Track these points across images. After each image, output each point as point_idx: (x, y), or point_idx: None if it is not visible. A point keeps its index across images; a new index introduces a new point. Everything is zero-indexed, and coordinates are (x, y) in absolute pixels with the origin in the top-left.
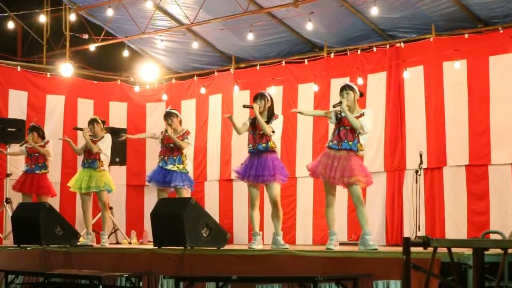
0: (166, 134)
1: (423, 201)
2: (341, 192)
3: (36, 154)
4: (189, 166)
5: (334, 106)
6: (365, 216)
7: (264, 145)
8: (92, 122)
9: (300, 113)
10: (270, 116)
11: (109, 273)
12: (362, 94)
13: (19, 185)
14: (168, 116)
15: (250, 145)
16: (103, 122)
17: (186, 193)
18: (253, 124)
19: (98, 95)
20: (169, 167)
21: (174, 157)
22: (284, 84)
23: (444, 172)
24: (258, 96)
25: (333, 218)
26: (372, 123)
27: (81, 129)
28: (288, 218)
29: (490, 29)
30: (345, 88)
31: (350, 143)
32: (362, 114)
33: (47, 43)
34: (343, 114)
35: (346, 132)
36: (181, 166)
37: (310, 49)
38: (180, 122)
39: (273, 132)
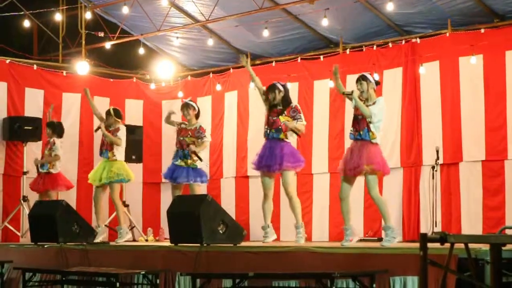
0: (181, 127)
1: (440, 197)
2: (357, 189)
3: (45, 152)
4: (204, 161)
5: (344, 94)
6: (385, 209)
7: (274, 131)
8: (108, 112)
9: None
10: (286, 106)
11: (126, 270)
12: (378, 83)
13: (32, 184)
14: (185, 107)
15: (266, 127)
16: (117, 112)
17: (198, 188)
18: (270, 110)
19: (114, 93)
20: (178, 162)
21: (185, 152)
22: (300, 80)
23: (461, 167)
24: (269, 89)
25: (347, 211)
26: (383, 111)
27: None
28: (304, 214)
29: (507, 23)
30: (358, 80)
31: (361, 132)
32: (374, 103)
33: (63, 41)
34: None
35: (359, 121)
36: (189, 161)
37: (326, 45)
38: (197, 115)
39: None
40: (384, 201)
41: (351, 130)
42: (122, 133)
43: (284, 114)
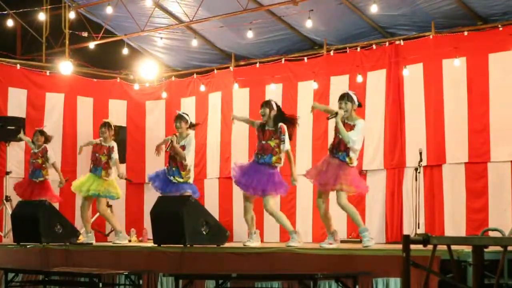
0: (170, 141)
1: (423, 199)
2: None
3: (34, 161)
4: (191, 175)
5: (328, 118)
6: (354, 216)
7: (265, 157)
8: (105, 125)
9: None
10: (276, 125)
11: (108, 271)
12: (360, 105)
13: (19, 189)
14: (177, 119)
15: (257, 152)
16: (114, 128)
17: None
18: (262, 130)
19: (97, 93)
20: (171, 178)
21: (175, 168)
22: (284, 82)
23: (444, 169)
24: (264, 104)
25: (327, 218)
26: (361, 136)
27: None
28: (288, 216)
29: (490, 26)
30: (343, 98)
31: (340, 153)
32: (353, 127)
33: (46, 41)
34: (343, 122)
35: (339, 141)
36: (181, 180)
37: (310, 46)
38: (189, 126)
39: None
40: (353, 208)
41: (331, 145)
42: (116, 153)
43: (273, 138)
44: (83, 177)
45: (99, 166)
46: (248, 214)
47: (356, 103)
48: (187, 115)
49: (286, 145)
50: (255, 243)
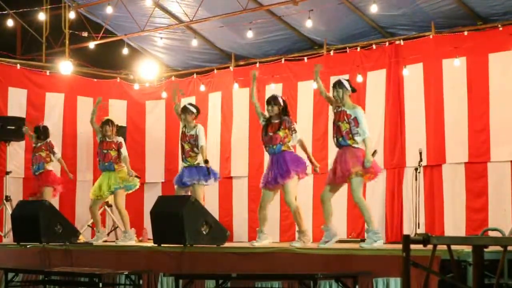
0: (182, 130)
1: (423, 199)
2: (340, 189)
3: (37, 154)
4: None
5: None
6: (366, 213)
7: (274, 147)
8: (107, 122)
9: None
10: (282, 119)
11: (109, 270)
12: (354, 90)
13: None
14: (184, 111)
15: (265, 145)
16: (116, 125)
17: (198, 188)
18: (267, 124)
19: (97, 93)
20: (184, 164)
21: (184, 156)
22: (284, 81)
23: (444, 169)
24: (271, 101)
25: (329, 213)
26: (365, 120)
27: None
28: (288, 215)
29: (490, 26)
30: (335, 86)
31: (341, 139)
32: (350, 116)
33: (46, 41)
34: (340, 109)
35: (337, 129)
36: (193, 162)
37: (310, 46)
38: (195, 118)
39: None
40: (367, 205)
41: (333, 137)
42: (124, 148)
43: (281, 128)
44: (97, 181)
45: (109, 161)
46: (262, 210)
47: (349, 88)
48: (192, 106)
49: (298, 134)
50: (262, 242)
